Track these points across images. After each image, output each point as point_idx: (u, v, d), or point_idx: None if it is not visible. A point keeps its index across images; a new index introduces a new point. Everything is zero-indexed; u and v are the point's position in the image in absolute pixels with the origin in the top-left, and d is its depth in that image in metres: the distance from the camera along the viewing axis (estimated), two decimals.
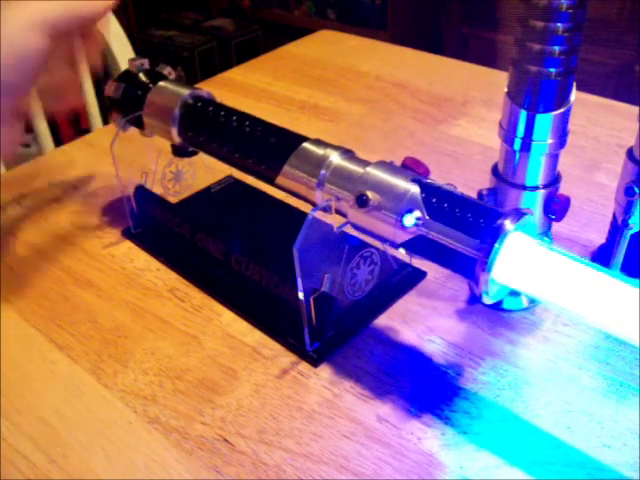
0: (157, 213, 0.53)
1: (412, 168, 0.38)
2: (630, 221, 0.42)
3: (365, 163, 0.39)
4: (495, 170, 0.43)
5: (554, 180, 0.42)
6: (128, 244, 0.53)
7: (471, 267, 0.33)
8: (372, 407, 0.39)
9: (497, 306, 0.45)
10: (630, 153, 0.43)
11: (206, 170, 0.57)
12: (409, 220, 0.35)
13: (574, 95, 0.39)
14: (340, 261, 0.40)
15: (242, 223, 0.55)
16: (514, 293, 0.35)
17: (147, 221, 0.54)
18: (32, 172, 0.64)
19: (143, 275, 0.50)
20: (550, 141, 0.39)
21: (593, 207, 0.55)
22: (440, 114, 0.71)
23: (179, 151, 0.52)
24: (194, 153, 0.53)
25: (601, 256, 0.48)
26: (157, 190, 0.54)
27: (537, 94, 0.38)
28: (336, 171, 0.39)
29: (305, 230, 0.37)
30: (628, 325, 0.29)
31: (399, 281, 0.48)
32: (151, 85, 0.50)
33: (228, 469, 0.36)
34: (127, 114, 0.51)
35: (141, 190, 0.53)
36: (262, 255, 0.47)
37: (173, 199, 0.56)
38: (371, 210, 0.36)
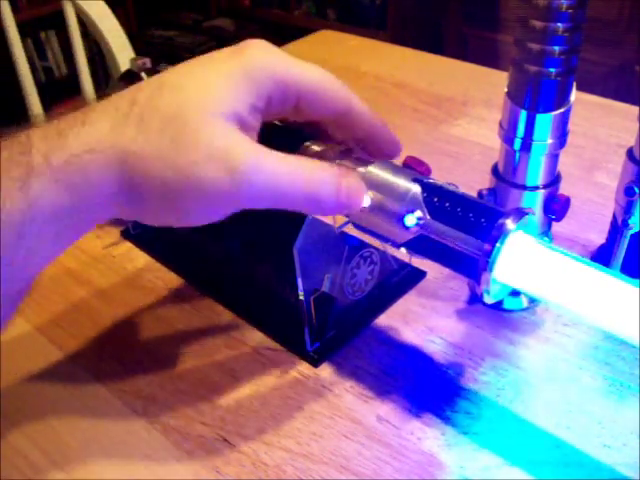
0: None
1: (413, 167, 0.38)
2: (630, 221, 0.42)
3: (367, 162, 0.39)
4: (495, 170, 0.43)
5: (554, 180, 0.42)
6: (128, 244, 0.53)
7: (473, 266, 0.33)
8: (372, 407, 0.39)
9: (497, 306, 0.45)
10: (630, 153, 0.43)
11: None
12: (410, 220, 0.35)
13: (574, 95, 0.39)
14: (340, 261, 0.40)
15: (242, 223, 0.54)
16: (514, 293, 0.35)
17: None
18: None
19: (143, 275, 0.50)
20: (550, 141, 0.39)
21: (593, 207, 0.55)
22: (440, 114, 0.71)
23: None
24: None
25: (601, 256, 0.48)
26: None
27: (537, 94, 0.38)
28: None
29: (305, 230, 0.37)
30: (628, 325, 0.29)
31: (399, 281, 0.47)
32: None
33: (228, 469, 0.36)
34: None
35: None
36: (262, 255, 0.47)
37: None
38: (372, 210, 0.36)
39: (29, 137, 0.29)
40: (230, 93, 0.31)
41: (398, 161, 0.39)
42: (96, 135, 0.29)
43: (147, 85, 0.32)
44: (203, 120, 0.30)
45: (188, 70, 0.32)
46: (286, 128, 0.45)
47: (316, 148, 0.41)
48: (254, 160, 0.30)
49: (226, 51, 0.33)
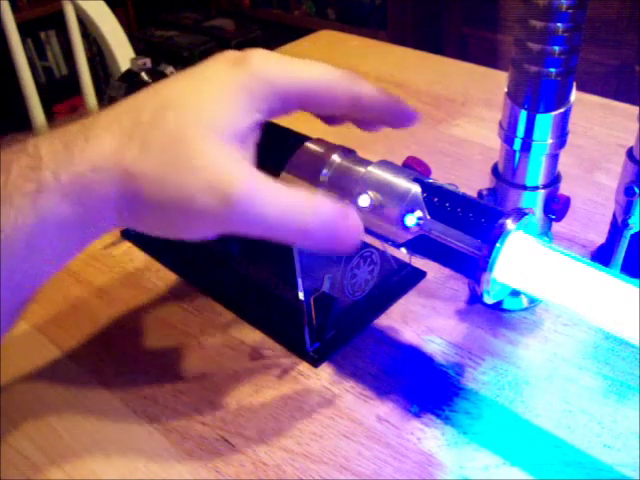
0: None
1: (413, 167, 0.38)
2: (630, 221, 0.42)
3: (367, 163, 0.39)
4: (495, 170, 0.43)
5: (554, 180, 0.42)
6: (128, 244, 0.53)
7: (473, 266, 0.33)
8: (372, 407, 0.39)
9: (497, 306, 0.45)
10: (630, 153, 0.43)
11: None
12: (410, 220, 0.35)
13: (574, 95, 0.39)
14: (340, 261, 0.40)
15: None
16: (514, 293, 0.35)
17: None
18: None
19: (143, 275, 0.50)
20: (550, 141, 0.39)
21: (593, 207, 0.55)
22: (440, 114, 0.71)
23: None
24: None
25: (601, 256, 0.48)
26: None
27: (537, 94, 0.38)
28: (338, 171, 0.39)
29: None
30: (628, 325, 0.29)
31: (399, 281, 0.47)
32: None
33: (228, 469, 0.36)
34: None
35: None
36: (262, 255, 0.47)
37: None
38: (373, 210, 0.36)
39: (37, 149, 0.30)
40: (231, 111, 0.31)
41: (398, 161, 0.39)
42: (100, 154, 0.30)
43: (149, 102, 0.32)
44: (203, 142, 0.30)
45: (189, 84, 0.32)
46: (286, 129, 0.45)
47: (316, 148, 0.41)
48: (247, 190, 0.30)
49: (225, 62, 0.33)
